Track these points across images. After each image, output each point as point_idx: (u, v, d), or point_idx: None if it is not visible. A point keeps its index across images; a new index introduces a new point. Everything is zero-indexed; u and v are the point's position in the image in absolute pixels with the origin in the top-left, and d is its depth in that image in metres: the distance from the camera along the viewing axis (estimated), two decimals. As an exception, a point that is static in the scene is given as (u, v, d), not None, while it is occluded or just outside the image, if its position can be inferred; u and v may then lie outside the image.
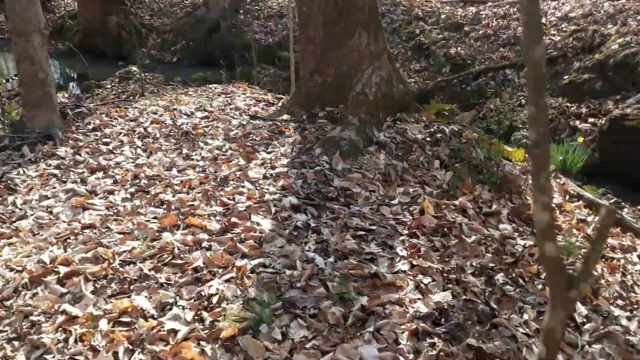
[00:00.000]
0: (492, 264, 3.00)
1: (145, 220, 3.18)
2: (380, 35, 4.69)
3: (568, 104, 7.15)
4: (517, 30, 9.14)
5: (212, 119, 5.11)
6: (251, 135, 4.56)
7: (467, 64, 9.09)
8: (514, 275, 2.93)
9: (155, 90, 8.57)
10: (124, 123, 5.07)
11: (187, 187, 3.67)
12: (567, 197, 4.51)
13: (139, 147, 4.47)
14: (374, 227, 3.20)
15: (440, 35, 10.02)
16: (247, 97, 6.60)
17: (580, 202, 4.48)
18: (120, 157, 4.25)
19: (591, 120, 6.66)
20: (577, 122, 6.73)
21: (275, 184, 3.64)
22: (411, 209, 3.53)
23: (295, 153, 4.12)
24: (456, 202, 3.70)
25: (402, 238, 3.15)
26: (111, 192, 3.65)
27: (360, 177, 3.80)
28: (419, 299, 2.54)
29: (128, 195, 3.60)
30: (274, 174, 3.79)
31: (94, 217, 3.28)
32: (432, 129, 4.46)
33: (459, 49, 9.37)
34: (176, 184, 3.73)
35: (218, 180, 3.74)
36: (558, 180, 4.78)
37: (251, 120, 4.90)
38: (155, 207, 3.40)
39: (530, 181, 4.52)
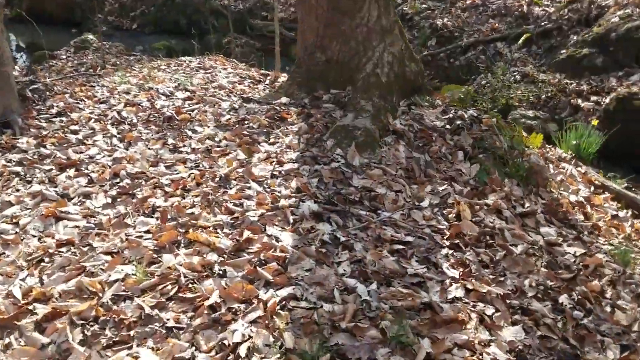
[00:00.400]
0: (550, 282, 2.59)
1: (137, 236, 2.60)
2: (391, 6, 4.14)
3: (567, 81, 6.80)
4: (506, 0, 8.69)
5: (197, 101, 4.48)
6: (247, 122, 3.98)
7: (455, 36, 8.63)
8: (578, 296, 2.53)
9: (117, 62, 7.77)
10: (92, 105, 4.39)
11: (181, 188, 3.10)
12: (592, 188, 4.15)
13: (115, 136, 3.83)
14: (410, 239, 2.73)
15: (425, 5, 9.50)
16: (230, 73, 5.95)
17: (607, 194, 4.13)
18: (93, 149, 3.61)
19: (594, 98, 6.34)
20: (579, 101, 6.39)
21: (286, 184, 3.11)
22: (445, 212, 3.08)
23: (303, 145, 3.58)
24: (489, 202, 3.28)
25: (444, 251, 2.70)
26: (88, 196, 3.04)
27: (382, 173, 3.30)
28: (491, 340, 2.10)
29: (109, 200, 3.00)
30: (283, 172, 3.25)
31: (71, 231, 2.68)
32: (450, 115, 3.99)
33: (445, 19, 8.88)
34: (166, 184, 3.16)
35: (217, 179, 3.18)
36: (579, 169, 4.42)
37: (244, 104, 4.30)
38: (145, 215, 2.82)
39: (553, 171, 4.14)
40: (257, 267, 2.34)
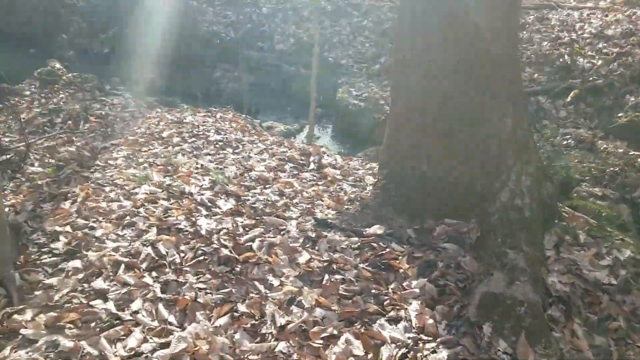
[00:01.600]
0: None
1: None
2: (526, 113, 3.13)
3: (633, 152, 6.01)
4: (542, 46, 7.89)
5: (253, 220, 3.34)
6: (338, 269, 2.88)
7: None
8: None
9: (102, 113, 6.39)
10: (113, 232, 3.17)
11: None
12: None
13: (160, 298, 2.66)
14: None
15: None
16: (262, 150, 4.83)
17: None
18: (136, 334, 2.43)
19: (672, 178, 5.55)
20: (656, 180, 5.59)
21: None
22: None
23: (442, 328, 2.51)
24: None
25: None
26: None
27: (575, 388, 2.30)
28: None
29: None
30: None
31: None
32: (609, 261, 3.03)
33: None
34: None
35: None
36: None
37: (321, 230, 3.20)
38: None
39: None
40: None
